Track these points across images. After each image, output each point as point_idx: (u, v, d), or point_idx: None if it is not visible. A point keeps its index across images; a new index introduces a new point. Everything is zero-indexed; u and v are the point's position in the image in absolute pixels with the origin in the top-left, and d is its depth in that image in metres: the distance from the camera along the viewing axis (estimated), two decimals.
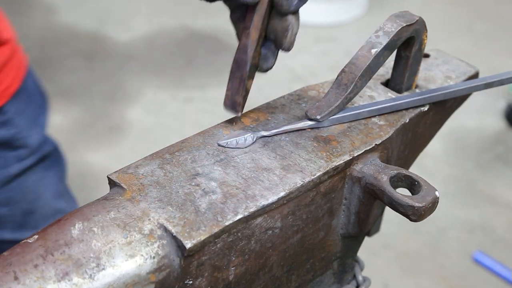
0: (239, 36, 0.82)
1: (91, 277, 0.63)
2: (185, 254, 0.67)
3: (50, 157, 1.52)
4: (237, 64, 0.81)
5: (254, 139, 0.82)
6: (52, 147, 1.53)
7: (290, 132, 0.84)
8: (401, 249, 2.40)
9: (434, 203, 0.78)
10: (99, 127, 2.98)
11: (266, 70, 0.82)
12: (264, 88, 3.27)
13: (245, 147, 0.81)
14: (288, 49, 0.79)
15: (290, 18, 0.77)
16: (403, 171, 0.81)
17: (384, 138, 0.85)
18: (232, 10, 0.84)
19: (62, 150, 1.60)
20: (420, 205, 0.77)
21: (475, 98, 2.59)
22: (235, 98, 0.82)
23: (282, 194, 0.74)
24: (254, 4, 0.75)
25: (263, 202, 0.73)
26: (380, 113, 0.89)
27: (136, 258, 0.66)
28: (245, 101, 0.83)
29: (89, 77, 3.35)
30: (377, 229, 1.13)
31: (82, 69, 3.41)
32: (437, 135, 1.10)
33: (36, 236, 0.66)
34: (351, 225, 0.87)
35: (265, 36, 0.80)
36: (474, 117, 3.07)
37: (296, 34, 0.78)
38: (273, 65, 0.82)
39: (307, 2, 0.77)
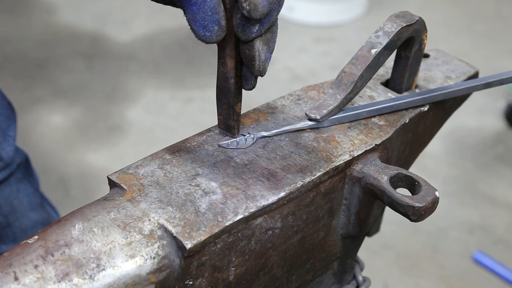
0: (218, 59, 0.78)
1: (91, 277, 0.63)
2: (186, 255, 0.67)
3: (22, 168, 1.50)
4: (221, 91, 0.80)
5: (254, 140, 0.82)
6: (23, 158, 1.51)
7: (290, 132, 0.84)
8: (401, 249, 2.40)
9: (434, 203, 0.78)
10: (99, 127, 2.98)
11: (249, 89, 0.80)
12: (264, 88, 3.27)
13: (245, 148, 0.81)
14: (260, 75, 0.75)
15: (257, 44, 0.71)
16: (403, 171, 0.81)
17: (384, 138, 0.85)
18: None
19: (31, 161, 1.58)
20: (420, 205, 0.77)
21: (475, 98, 2.59)
22: (228, 122, 0.82)
23: (282, 194, 0.74)
24: (217, 41, 0.71)
25: (263, 202, 0.73)
26: (380, 113, 0.89)
27: (136, 259, 0.66)
28: (239, 122, 0.82)
29: (89, 77, 3.34)
30: (377, 229, 1.13)
31: (82, 69, 3.40)
32: (437, 135, 1.10)
33: (36, 237, 0.66)
34: (351, 225, 0.87)
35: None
36: (474, 117, 3.07)
37: (265, 59, 0.73)
38: (255, 84, 0.79)
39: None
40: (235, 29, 0.70)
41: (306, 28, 3.77)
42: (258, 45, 0.72)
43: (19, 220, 1.50)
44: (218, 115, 0.82)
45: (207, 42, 0.70)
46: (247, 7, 0.65)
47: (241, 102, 0.81)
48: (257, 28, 0.70)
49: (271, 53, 0.74)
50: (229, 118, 0.81)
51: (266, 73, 0.75)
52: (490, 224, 2.51)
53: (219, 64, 0.77)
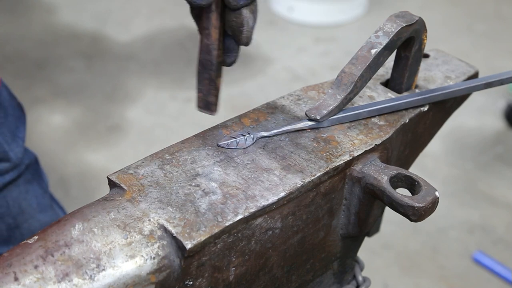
0: (200, 31, 0.80)
1: (91, 277, 0.63)
2: (185, 255, 0.67)
3: (31, 169, 1.50)
4: (203, 65, 0.80)
5: (254, 140, 0.82)
6: (32, 159, 1.50)
7: (290, 132, 0.84)
8: (401, 249, 2.40)
9: (434, 203, 0.78)
10: (99, 127, 2.98)
11: (230, 64, 0.81)
12: (264, 88, 3.27)
13: (245, 148, 0.81)
14: (246, 44, 0.78)
15: (245, 12, 0.75)
16: (403, 171, 0.81)
17: (384, 138, 0.85)
18: (192, 7, 0.82)
19: (40, 161, 1.58)
20: (420, 205, 0.77)
21: (475, 98, 2.59)
22: (208, 98, 0.81)
23: (282, 194, 0.74)
24: (208, 5, 0.73)
25: (263, 202, 0.73)
26: (380, 113, 0.89)
27: (136, 259, 0.66)
28: (218, 99, 0.82)
29: (89, 77, 3.34)
30: (376, 229, 1.13)
31: (82, 69, 3.40)
32: (437, 135, 1.10)
33: (36, 237, 0.66)
34: (351, 226, 0.87)
35: (224, 31, 0.79)
36: (474, 117, 3.07)
37: (252, 27, 0.77)
38: (237, 58, 0.81)
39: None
40: None
41: (306, 28, 3.77)
42: (246, 12, 0.75)
43: (28, 221, 1.50)
44: (197, 93, 0.82)
45: (196, 5, 0.72)
46: None
47: (221, 77, 0.81)
48: None
49: (255, 23, 0.77)
50: (209, 94, 0.81)
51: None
52: (490, 224, 2.51)
53: (202, 36, 0.78)
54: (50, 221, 1.55)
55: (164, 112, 3.10)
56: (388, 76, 0.98)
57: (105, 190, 0.79)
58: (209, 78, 0.80)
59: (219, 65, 0.80)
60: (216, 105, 0.82)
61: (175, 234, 0.68)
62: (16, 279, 0.61)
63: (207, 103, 0.82)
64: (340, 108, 0.86)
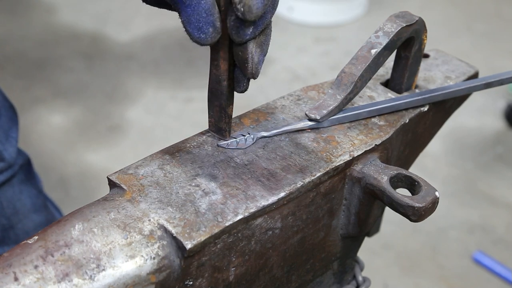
0: (210, 61, 0.77)
1: (91, 278, 0.63)
2: (185, 255, 0.67)
3: (25, 170, 1.50)
4: (213, 93, 0.79)
5: (254, 140, 0.82)
6: (25, 160, 1.50)
7: (290, 132, 0.84)
8: (401, 249, 2.40)
9: (434, 203, 0.78)
10: (99, 127, 2.98)
11: (241, 92, 0.79)
12: (264, 88, 3.27)
13: (245, 148, 0.81)
14: (253, 77, 0.74)
15: (250, 47, 0.71)
16: (403, 171, 0.81)
17: (384, 139, 0.85)
18: None
19: (33, 162, 1.58)
20: (420, 205, 0.77)
21: (475, 98, 2.59)
22: (219, 124, 0.81)
23: (282, 194, 0.74)
24: (213, 43, 0.70)
25: (263, 202, 0.73)
26: (380, 114, 0.89)
27: (136, 259, 0.66)
28: (230, 125, 0.81)
29: (89, 77, 3.34)
30: (376, 230, 1.13)
31: (82, 69, 3.40)
32: (437, 135, 1.10)
33: (36, 237, 0.66)
34: (351, 226, 0.87)
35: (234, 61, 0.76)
36: (474, 117, 3.07)
37: (258, 62, 0.73)
38: (247, 87, 0.78)
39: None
40: (229, 31, 0.70)
41: (306, 28, 3.76)
42: (252, 47, 0.71)
43: (22, 221, 1.50)
44: (209, 118, 0.82)
45: (202, 44, 0.69)
46: (242, 9, 0.65)
47: (232, 105, 0.80)
48: (251, 30, 0.69)
49: (265, 55, 0.74)
50: (221, 121, 0.81)
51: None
52: (490, 224, 2.51)
53: (212, 66, 0.77)
54: (45, 221, 1.55)
55: (164, 112, 3.10)
56: (388, 76, 0.98)
57: (105, 190, 0.79)
58: (220, 105, 0.80)
59: (229, 94, 0.79)
60: (228, 131, 0.81)
61: (175, 234, 0.68)
62: (16, 279, 0.61)
63: (219, 128, 0.82)
64: (340, 108, 0.86)
